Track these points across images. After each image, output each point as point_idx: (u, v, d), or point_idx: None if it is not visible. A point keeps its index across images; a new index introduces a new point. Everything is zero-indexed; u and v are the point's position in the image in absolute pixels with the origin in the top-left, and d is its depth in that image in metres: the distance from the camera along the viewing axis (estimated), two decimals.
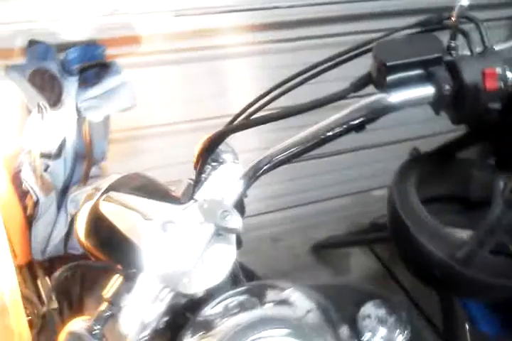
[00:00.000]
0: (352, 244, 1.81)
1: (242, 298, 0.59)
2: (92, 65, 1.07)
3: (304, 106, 0.59)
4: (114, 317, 0.62)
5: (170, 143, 1.39)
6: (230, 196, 0.60)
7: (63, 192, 1.18)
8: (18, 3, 1.13)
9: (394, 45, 0.54)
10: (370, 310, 0.55)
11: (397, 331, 0.53)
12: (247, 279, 0.88)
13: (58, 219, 1.18)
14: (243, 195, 0.61)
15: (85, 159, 1.17)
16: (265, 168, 0.59)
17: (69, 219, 1.18)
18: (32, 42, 1.12)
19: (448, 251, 0.56)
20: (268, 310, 0.56)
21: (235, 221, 0.57)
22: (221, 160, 0.81)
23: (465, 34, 0.55)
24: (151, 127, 1.37)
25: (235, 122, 0.70)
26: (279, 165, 0.60)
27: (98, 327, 0.63)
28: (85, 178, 1.17)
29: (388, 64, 0.51)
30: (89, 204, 0.80)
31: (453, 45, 0.54)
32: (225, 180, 0.65)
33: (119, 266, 0.75)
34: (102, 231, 0.77)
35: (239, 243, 0.76)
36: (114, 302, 0.65)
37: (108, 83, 1.03)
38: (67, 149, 1.12)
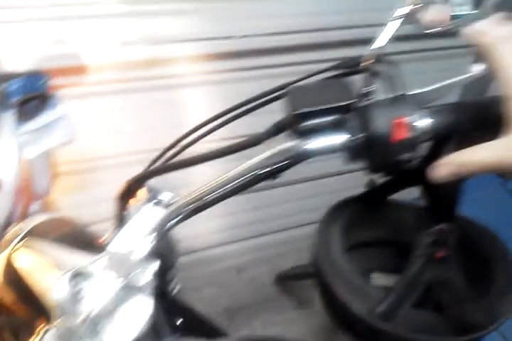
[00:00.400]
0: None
1: None
2: (32, 97, 1.03)
3: (222, 151, 0.56)
4: None
5: (122, 175, 1.34)
6: (141, 249, 0.57)
7: (5, 229, 1.13)
8: None
9: (306, 90, 0.51)
10: None
11: None
12: (186, 319, 0.85)
13: None
14: (156, 247, 0.58)
15: (24, 195, 1.12)
16: (179, 218, 0.56)
17: None
18: None
19: (368, 306, 0.53)
20: None
21: (143, 277, 0.54)
22: (158, 201, 0.78)
23: (383, 77, 0.53)
24: (103, 158, 1.33)
25: (156, 164, 0.67)
26: (193, 214, 0.57)
27: None
28: (24, 215, 1.12)
29: (299, 111, 0.48)
30: (5, 252, 0.77)
31: (368, 89, 0.51)
32: (140, 230, 0.62)
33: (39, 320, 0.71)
34: (18, 282, 0.73)
35: (168, 292, 0.73)
36: None
37: (45, 117, 0.99)
38: (6, 185, 1.08)
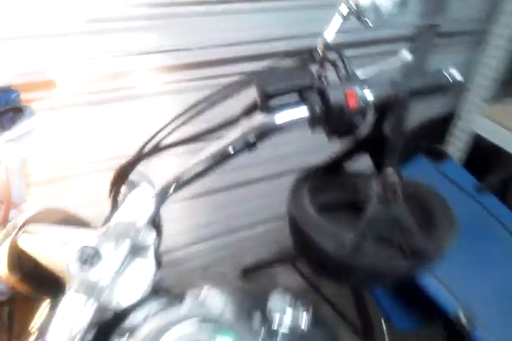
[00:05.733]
0: (276, 262, 1.90)
1: (163, 301, 0.64)
2: (7, 109, 1.10)
3: (206, 131, 0.67)
4: None
5: (94, 181, 1.43)
6: (143, 215, 0.66)
7: None
8: None
9: (273, 75, 0.63)
10: (278, 297, 0.63)
11: (302, 309, 0.62)
12: None
13: None
14: (156, 213, 0.67)
15: (3, 203, 1.17)
16: (174, 187, 0.66)
17: None
18: None
19: (337, 246, 0.64)
20: (188, 307, 0.62)
21: (148, 237, 0.63)
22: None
23: (332, 64, 0.66)
24: (71, 167, 1.41)
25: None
26: (185, 185, 0.66)
27: None
28: (4, 222, 1.18)
29: (269, 90, 0.60)
30: (9, 239, 0.83)
31: (322, 73, 0.64)
32: (139, 203, 0.71)
33: (45, 298, 0.78)
34: (24, 263, 0.79)
35: (158, 264, 0.82)
36: (42, 333, 0.66)
37: (23, 126, 1.06)
38: None
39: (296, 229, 0.70)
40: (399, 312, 1.43)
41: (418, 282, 1.24)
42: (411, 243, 0.65)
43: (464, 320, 1.19)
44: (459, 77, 0.65)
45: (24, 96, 1.20)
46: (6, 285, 0.82)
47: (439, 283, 1.24)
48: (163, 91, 1.44)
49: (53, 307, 0.70)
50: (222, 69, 1.48)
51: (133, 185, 0.79)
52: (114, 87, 1.34)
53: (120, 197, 0.77)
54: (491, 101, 1.96)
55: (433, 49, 1.91)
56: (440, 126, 2.01)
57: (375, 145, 0.72)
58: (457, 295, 1.23)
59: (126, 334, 0.61)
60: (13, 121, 1.11)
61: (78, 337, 0.57)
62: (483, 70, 1.92)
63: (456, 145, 2.00)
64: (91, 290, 0.59)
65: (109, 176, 1.37)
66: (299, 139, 1.74)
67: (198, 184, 0.68)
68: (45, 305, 0.77)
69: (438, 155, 1.52)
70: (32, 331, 0.72)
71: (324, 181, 0.78)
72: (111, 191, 0.77)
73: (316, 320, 0.64)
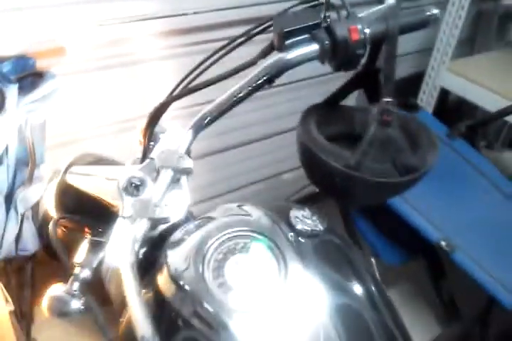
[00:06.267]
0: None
1: (199, 220, 0.73)
2: (28, 74, 1.20)
3: (228, 73, 0.78)
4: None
5: (103, 144, 1.54)
6: (182, 145, 0.76)
7: (9, 196, 1.27)
8: None
9: (287, 18, 0.75)
10: (298, 210, 0.75)
11: (320, 220, 0.74)
12: None
13: (8, 221, 1.26)
14: (191, 144, 0.78)
15: (28, 163, 1.27)
16: (207, 120, 0.75)
17: (19, 220, 1.28)
18: None
19: (343, 163, 0.75)
20: (224, 219, 0.72)
21: (189, 162, 0.74)
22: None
23: (334, 7, 0.78)
24: (85, 130, 1.51)
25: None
26: (216, 119, 0.76)
27: (76, 288, 0.74)
28: (30, 180, 1.28)
29: (285, 30, 0.73)
30: (56, 181, 0.93)
31: (327, 14, 0.75)
32: (172, 139, 0.81)
33: (86, 233, 0.88)
34: (72, 200, 0.90)
35: None
36: (85, 265, 0.77)
37: (45, 88, 1.16)
38: (9, 156, 1.22)
39: (307, 153, 0.82)
40: (386, 248, 1.59)
41: (403, 216, 1.40)
42: (403, 160, 0.78)
43: (445, 245, 1.36)
44: (436, 11, 0.79)
45: (38, 63, 1.29)
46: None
47: (422, 216, 1.41)
48: (166, 55, 1.54)
49: (93, 245, 0.81)
50: (218, 33, 1.58)
51: (163, 130, 0.88)
52: (118, 53, 1.44)
53: (153, 139, 0.86)
54: (455, 57, 2.17)
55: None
56: (412, 83, 2.19)
57: (370, 80, 0.85)
58: (438, 226, 1.40)
59: (175, 246, 0.69)
60: (33, 86, 1.22)
61: (135, 250, 0.63)
62: (448, 29, 2.12)
63: (426, 99, 2.23)
64: (142, 210, 0.67)
65: (120, 139, 1.48)
66: (294, 99, 1.88)
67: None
68: (86, 241, 0.84)
69: (412, 107, 1.67)
70: (77, 262, 0.78)
71: (326, 115, 0.90)
72: (145, 133, 0.85)
73: (329, 230, 0.76)
